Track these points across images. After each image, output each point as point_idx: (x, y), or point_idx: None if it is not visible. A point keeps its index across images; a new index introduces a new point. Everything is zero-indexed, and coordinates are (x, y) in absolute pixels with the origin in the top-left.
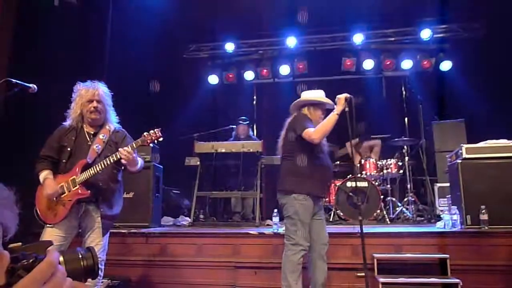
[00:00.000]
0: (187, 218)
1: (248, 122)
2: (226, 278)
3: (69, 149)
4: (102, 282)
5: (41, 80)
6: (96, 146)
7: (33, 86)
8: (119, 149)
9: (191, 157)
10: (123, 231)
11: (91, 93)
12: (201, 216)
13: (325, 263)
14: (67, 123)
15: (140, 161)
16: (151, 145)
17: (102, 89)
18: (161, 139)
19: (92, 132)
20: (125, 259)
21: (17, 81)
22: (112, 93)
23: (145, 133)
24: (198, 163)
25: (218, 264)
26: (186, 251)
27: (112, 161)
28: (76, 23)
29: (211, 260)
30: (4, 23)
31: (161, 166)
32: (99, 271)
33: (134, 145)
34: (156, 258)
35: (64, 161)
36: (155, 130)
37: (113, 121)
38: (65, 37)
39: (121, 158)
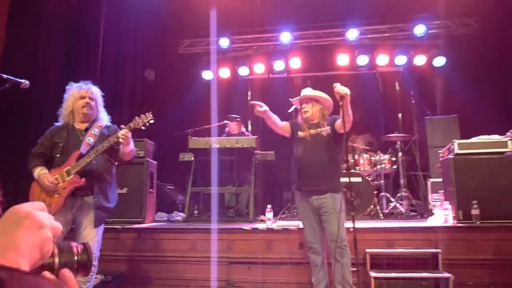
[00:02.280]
0: (181, 214)
1: (239, 119)
2: (220, 274)
3: (61, 144)
4: (95, 278)
5: (35, 77)
6: (89, 139)
7: (25, 81)
8: (118, 134)
9: (185, 152)
10: (116, 226)
11: (84, 90)
12: (195, 211)
13: (338, 261)
14: (59, 123)
15: (133, 147)
16: (144, 131)
17: (94, 88)
18: (152, 121)
19: (84, 128)
20: (119, 254)
21: (8, 76)
22: (107, 90)
23: (136, 117)
24: (193, 158)
25: (211, 259)
26: (179, 246)
27: (106, 146)
28: (70, 19)
29: (205, 255)
30: None
31: (155, 162)
32: (93, 267)
33: (125, 129)
34: (150, 254)
35: (58, 155)
36: (146, 113)
37: (104, 119)
38: (59, 34)
39: (116, 142)
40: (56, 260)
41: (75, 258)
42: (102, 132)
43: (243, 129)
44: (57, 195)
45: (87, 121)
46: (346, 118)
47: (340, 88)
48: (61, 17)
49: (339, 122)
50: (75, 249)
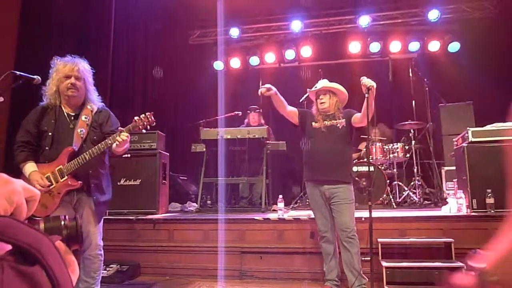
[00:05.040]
0: (195, 204)
1: (259, 110)
2: (232, 263)
3: (50, 134)
4: (111, 267)
5: (47, 73)
6: (80, 131)
7: (37, 77)
8: (117, 138)
9: (197, 143)
10: (130, 217)
11: (69, 68)
12: (208, 201)
13: (348, 250)
14: (44, 102)
15: (127, 146)
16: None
17: (82, 65)
18: (154, 124)
19: (73, 114)
20: (134, 245)
21: (21, 73)
22: (119, 83)
23: (136, 118)
24: (204, 149)
25: (224, 249)
26: (193, 236)
27: (101, 149)
28: (80, 14)
29: (218, 245)
30: (9, 14)
31: (167, 153)
32: (100, 256)
33: (124, 132)
34: (164, 244)
35: (47, 148)
36: (147, 114)
37: (94, 101)
38: (70, 27)
39: (110, 145)
40: (42, 225)
41: (62, 223)
42: (93, 119)
43: (263, 121)
44: (51, 198)
45: (75, 103)
46: (370, 110)
47: (367, 81)
48: (71, 12)
49: (358, 116)
50: (62, 217)
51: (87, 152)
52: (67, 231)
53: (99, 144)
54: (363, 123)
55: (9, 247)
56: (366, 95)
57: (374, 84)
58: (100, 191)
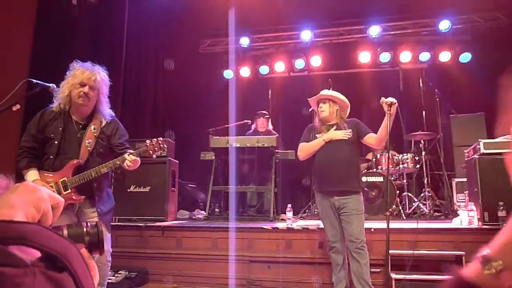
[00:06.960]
0: (203, 212)
1: (268, 116)
2: (240, 272)
3: (56, 142)
4: (119, 273)
5: (61, 81)
6: (88, 142)
7: (53, 85)
8: (125, 159)
9: (206, 151)
10: (139, 224)
11: (87, 76)
12: (217, 210)
13: (357, 261)
14: (54, 105)
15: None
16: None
17: (101, 75)
18: (164, 151)
19: (82, 123)
20: (142, 251)
21: (38, 81)
22: (130, 91)
23: (147, 142)
24: (213, 157)
25: (232, 258)
26: (201, 244)
27: (109, 169)
28: (94, 24)
29: (226, 254)
30: (25, 24)
31: (177, 161)
32: (108, 262)
33: (134, 155)
34: (172, 251)
35: (52, 157)
36: (159, 139)
37: (105, 113)
38: (83, 36)
39: (120, 165)
40: (65, 232)
41: (85, 230)
42: (101, 131)
43: (270, 126)
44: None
45: (83, 112)
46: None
47: (389, 98)
48: (85, 23)
49: (373, 137)
50: (84, 224)
51: (93, 170)
52: (89, 237)
53: (107, 163)
54: (378, 146)
55: (38, 253)
56: (388, 112)
57: (395, 100)
58: (103, 202)
